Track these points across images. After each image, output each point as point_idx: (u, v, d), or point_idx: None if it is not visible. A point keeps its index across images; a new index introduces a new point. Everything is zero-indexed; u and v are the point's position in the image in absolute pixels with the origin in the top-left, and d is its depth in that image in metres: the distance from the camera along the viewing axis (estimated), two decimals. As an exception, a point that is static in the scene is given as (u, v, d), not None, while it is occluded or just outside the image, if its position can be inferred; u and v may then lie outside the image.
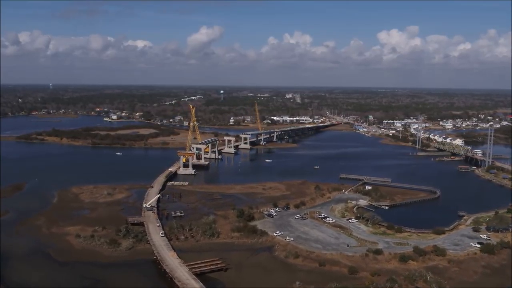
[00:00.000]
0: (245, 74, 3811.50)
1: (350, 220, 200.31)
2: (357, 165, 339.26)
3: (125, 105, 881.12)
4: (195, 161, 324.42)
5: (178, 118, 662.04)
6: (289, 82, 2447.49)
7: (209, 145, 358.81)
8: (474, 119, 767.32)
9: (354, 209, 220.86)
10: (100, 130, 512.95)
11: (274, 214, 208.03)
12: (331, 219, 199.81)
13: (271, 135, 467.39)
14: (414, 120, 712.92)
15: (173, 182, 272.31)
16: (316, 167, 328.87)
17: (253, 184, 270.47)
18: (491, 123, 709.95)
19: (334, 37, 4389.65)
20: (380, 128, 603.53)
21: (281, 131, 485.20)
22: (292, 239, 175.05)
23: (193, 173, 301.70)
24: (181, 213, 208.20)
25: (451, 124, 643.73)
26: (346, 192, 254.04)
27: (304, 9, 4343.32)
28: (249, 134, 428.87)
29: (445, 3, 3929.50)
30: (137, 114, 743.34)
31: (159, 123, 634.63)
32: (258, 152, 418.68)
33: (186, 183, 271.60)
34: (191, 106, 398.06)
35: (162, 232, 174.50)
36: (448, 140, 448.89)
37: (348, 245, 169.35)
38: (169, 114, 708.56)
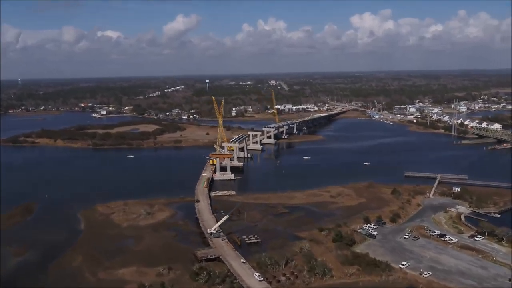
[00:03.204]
0: (222, 63, 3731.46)
1: (476, 238, 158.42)
2: (406, 159, 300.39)
3: (109, 99, 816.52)
4: (226, 162, 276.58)
5: (175, 111, 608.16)
6: (267, 69, 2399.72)
7: (237, 143, 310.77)
8: (479, 100, 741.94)
9: (463, 219, 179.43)
10: (95, 128, 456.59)
11: (375, 233, 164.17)
12: (452, 238, 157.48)
13: (291, 126, 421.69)
14: (421, 104, 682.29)
15: (217, 191, 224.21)
16: (366, 163, 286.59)
17: (313, 189, 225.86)
18: (503, 104, 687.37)
19: (309, 22, 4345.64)
20: (395, 114, 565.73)
21: (299, 122, 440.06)
22: (430, 273, 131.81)
23: (232, 178, 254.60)
24: (256, 238, 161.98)
25: (465, 107, 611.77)
26: (431, 196, 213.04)
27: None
28: (272, 127, 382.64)
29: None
30: (127, 108, 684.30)
31: (155, 117, 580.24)
32: (283, 147, 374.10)
33: (233, 192, 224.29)
34: (213, 98, 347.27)
35: (258, 273, 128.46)
36: (483, 125, 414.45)
37: (510, 279, 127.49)
38: (162, 107, 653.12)
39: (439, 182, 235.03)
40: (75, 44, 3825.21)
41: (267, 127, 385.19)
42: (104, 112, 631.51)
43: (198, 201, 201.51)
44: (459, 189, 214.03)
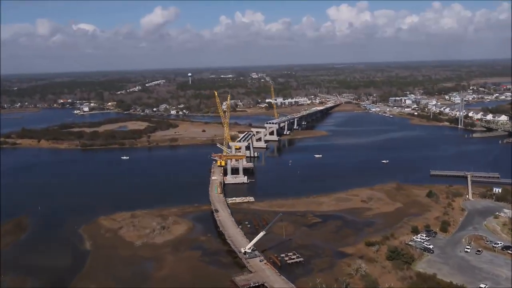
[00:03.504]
0: (201, 56, 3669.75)
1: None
2: (423, 155, 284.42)
3: (89, 94, 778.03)
4: (234, 163, 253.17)
5: (163, 106, 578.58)
6: (246, 62, 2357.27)
7: (245, 141, 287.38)
8: (469, 91, 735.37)
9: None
10: (80, 126, 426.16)
11: (430, 246, 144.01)
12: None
13: (291, 121, 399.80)
14: (413, 95, 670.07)
15: (234, 198, 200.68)
16: (384, 161, 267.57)
17: (338, 193, 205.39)
18: (496, 94, 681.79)
19: (286, 15, 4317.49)
20: (391, 106, 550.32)
21: (299, 117, 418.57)
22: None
23: (245, 181, 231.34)
24: (297, 256, 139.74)
25: (460, 98, 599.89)
26: (471, 198, 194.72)
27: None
28: (275, 123, 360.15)
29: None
30: (110, 104, 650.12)
31: (141, 114, 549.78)
32: (287, 143, 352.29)
33: (251, 198, 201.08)
34: (215, 92, 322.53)
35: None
36: (489, 117, 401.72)
37: None
38: (148, 103, 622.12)
39: (472, 182, 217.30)
40: (50, 38, 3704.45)
41: (270, 123, 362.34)
42: (86, 109, 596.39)
43: (217, 211, 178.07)
44: (499, 190, 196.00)
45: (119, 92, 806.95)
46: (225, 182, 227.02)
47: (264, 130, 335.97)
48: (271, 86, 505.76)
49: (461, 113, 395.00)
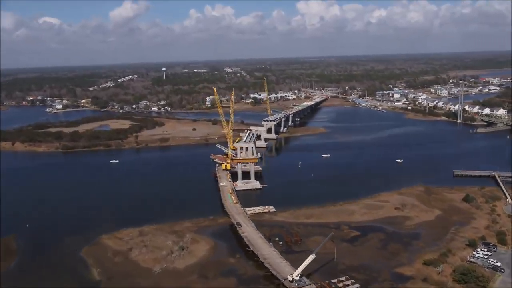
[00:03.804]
0: (171, 50, 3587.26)
1: None
2: (434, 153, 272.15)
3: (60, 91, 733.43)
4: (241, 166, 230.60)
5: (143, 103, 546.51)
6: (217, 56, 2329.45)
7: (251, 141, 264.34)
8: (451, 84, 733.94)
9: None
10: (57, 126, 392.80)
11: (498, 264, 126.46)
12: None
13: (286, 118, 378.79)
14: (397, 89, 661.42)
15: (252, 208, 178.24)
16: (398, 160, 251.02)
17: (365, 199, 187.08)
18: (480, 87, 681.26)
19: (257, 8, 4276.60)
20: (380, 100, 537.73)
21: (293, 113, 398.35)
22: None
23: (258, 186, 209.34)
24: (353, 282, 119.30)
25: (446, 92, 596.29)
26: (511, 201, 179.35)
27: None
28: (273, 121, 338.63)
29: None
30: (84, 101, 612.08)
31: (120, 111, 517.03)
32: (286, 142, 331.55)
33: (271, 207, 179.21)
34: (214, 89, 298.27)
35: None
36: (486, 110, 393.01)
37: None
38: (126, 99, 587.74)
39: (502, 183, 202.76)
40: (14, 32, 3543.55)
41: (267, 120, 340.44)
42: (59, 107, 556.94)
43: (240, 225, 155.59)
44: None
45: (92, 88, 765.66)
46: (236, 189, 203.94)
47: (263, 128, 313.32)
48: (264, 81, 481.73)
49: (460, 107, 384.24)
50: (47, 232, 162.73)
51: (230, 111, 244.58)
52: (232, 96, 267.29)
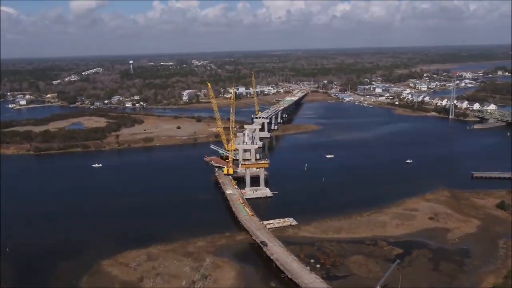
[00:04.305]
0: (135, 42, 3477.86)
1: None
2: (440, 152, 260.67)
3: (21, 85, 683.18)
4: (242, 169, 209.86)
5: (116, 98, 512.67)
6: (184, 48, 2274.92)
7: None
8: (426, 78, 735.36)
9: None
10: (23, 124, 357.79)
11: None
12: None
13: (276, 115, 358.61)
14: (374, 83, 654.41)
15: (271, 222, 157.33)
16: (408, 161, 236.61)
17: (391, 207, 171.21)
18: (457, 81, 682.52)
19: (221, 1, 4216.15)
20: (363, 95, 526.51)
21: (282, 110, 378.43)
22: None
23: (269, 194, 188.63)
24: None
25: (425, 86, 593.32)
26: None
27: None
28: (266, 118, 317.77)
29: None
30: (49, 96, 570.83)
31: (92, 107, 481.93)
32: (279, 140, 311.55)
33: (292, 220, 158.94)
34: (208, 85, 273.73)
35: None
36: (476, 106, 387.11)
37: None
38: (95, 94, 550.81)
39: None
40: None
41: (259, 117, 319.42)
42: (23, 102, 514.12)
43: (265, 244, 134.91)
44: None
45: (56, 82, 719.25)
46: (244, 197, 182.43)
47: (258, 126, 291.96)
48: (252, 75, 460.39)
49: (452, 103, 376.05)
50: (34, 257, 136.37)
51: (231, 108, 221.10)
52: (232, 91, 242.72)
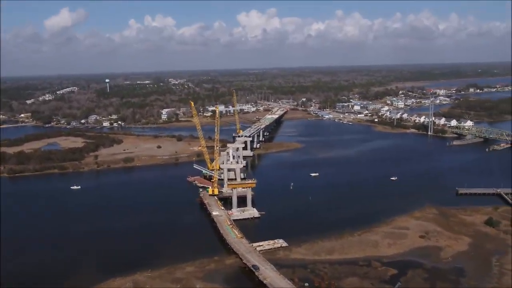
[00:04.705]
0: (111, 61, 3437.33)
1: None
2: (422, 168, 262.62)
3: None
4: (228, 189, 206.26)
5: (93, 117, 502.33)
6: (160, 67, 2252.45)
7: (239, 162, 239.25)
8: (401, 95, 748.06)
9: None
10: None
11: None
12: None
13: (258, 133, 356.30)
14: (352, 100, 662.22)
15: (260, 244, 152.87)
16: (393, 178, 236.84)
17: (380, 225, 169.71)
18: (432, 98, 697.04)
19: (197, 20, 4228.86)
20: (342, 113, 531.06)
21: (264, 127, 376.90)
22: None
23: (257, 215, 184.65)
24: None
25: (402, 103, 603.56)
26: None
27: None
28: (248, 136, 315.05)
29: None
30: (23, 115, 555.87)
31: (68, 127, 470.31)
32: (262, 160, 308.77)
33: (282, 242, 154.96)
34: (191, 103, 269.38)
35: None
36: (453, 122, 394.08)
37: None
38: (72, 113, 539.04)
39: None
40: None
41: (241, 135, 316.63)
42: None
43: (257, 268, 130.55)
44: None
45: (29, 102, 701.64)
46: (232, 218, 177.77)
47: (241, 144, 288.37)
48: (233, 93, 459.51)
49: (431, 120, 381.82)
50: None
51: (216, 126, 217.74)
52: (217, 109, 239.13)
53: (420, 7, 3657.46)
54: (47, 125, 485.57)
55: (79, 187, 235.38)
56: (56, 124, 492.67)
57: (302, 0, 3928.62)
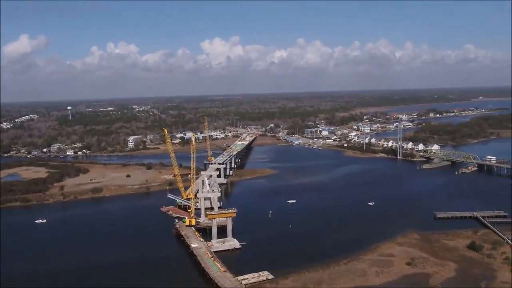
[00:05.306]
0: (73, 88, 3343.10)
1: None
2: (397, 193, 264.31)
3: None
4: (206, 220, 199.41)
5: (56, 146, 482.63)
6: (123, 94, 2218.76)
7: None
8: (366, 120, 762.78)
9: None
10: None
11: None
12: None
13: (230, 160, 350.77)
14: (319, 126, 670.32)
15: (245, 277, 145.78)
16: (370, 203, 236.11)
17: (365, 253, 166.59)
18: (396, 123, 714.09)
19: (161, 47, 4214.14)
20: (311, 138, 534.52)
21: (236, 154, 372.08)
22: None
23: (238, 246, 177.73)
24: None
25: (368, 128, 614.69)
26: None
27: (127, 20, 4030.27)
28: (222, 164, 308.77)
29: (260, 14, 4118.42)
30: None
31: (28, 156, 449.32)
32: (236, 187, 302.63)
33: (268, 274, 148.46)
34: (165, 130, 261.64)
35: None
36: (420, 146, 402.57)
37: None
38: (33, 142, 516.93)
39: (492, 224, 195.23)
40: None
41: (214, 162, 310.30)
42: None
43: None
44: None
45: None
46: (212, 250, 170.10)
47: (215, 173, 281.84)
48: (205, 119, 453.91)
49: (400, 144, 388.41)
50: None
51: (192, 154, 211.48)
52: (193, 136, 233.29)
53: (377, 35, 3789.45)
54: (6, 155, 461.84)
55: (45, 220, 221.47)
56: (16, 153, 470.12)
57: (264, 29, 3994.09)
